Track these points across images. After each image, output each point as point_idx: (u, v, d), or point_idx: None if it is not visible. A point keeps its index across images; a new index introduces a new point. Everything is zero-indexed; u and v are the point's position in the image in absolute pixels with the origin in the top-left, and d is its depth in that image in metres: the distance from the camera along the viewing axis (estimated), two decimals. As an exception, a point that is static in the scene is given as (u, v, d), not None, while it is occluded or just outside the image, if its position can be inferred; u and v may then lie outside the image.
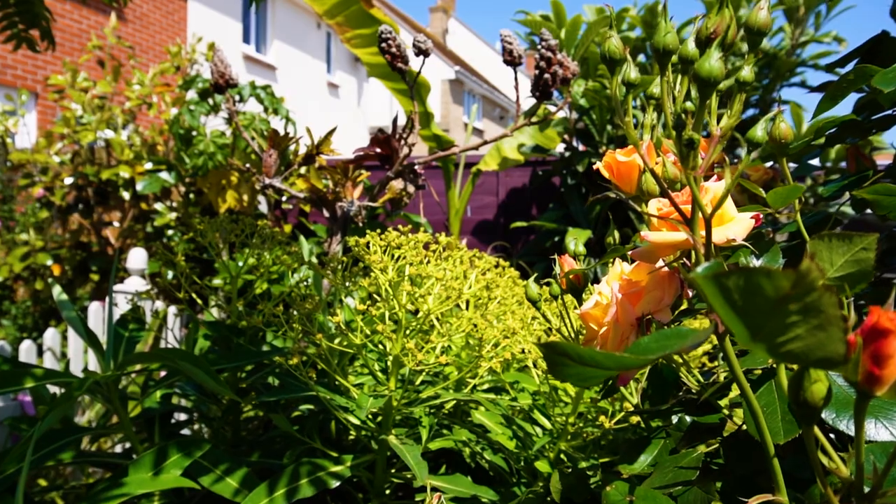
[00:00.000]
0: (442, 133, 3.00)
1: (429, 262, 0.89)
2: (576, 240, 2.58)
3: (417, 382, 0.99)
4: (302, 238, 1.25)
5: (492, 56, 26.94)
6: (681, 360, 0.60)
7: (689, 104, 0.38)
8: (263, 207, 3.77)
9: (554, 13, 2.97)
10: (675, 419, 0.54)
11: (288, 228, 3.90)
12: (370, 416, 0.99)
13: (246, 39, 11.64)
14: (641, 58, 3.09)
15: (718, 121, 0.36)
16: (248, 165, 1.66)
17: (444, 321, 0.99)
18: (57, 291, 1.08)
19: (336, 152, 1.68)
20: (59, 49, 7.60)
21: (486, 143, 1.62)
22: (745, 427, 0.48)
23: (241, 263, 1.25)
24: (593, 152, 2.93)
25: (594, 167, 0.59)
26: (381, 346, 0.99)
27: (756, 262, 0.51)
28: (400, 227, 1.03)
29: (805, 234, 0.55)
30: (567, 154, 3.01)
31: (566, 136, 3.09)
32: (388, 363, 0.99)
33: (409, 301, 0.92)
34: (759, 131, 0.36)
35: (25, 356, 2.42)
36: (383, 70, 3.04)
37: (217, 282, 3.20)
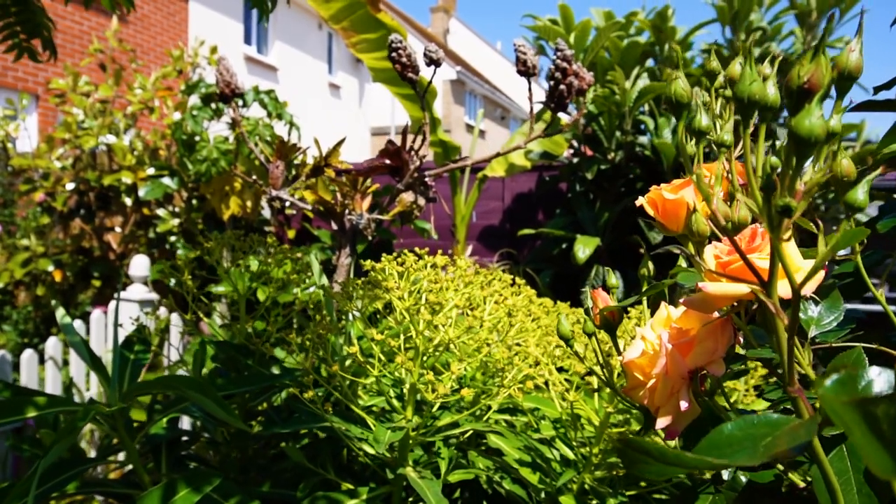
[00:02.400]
0: (448, 139, 2.96)
1: (447, 287, 0.86)
2: (584, 247, 2.53)
3: (434, 409, 0.96)
4: (314, 258, 1.22)
5: (493, 56, 26.89)
6: (728, 407, 0.56)
7: (773, 158, 0.34)
8: (267, 213, 3.73)
9: (562, 17, 2.93)
10: (726, 474, 0.51)
11: (292, 234, 3.87)
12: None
13: (247, 40, 11.60)
14: (650, 62, 3.05)
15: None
16: (254, 178, 1.62)
17: (463, 349, 0.95)
18: (60, 314, 1.05)
19: (345, 163, 1.65)
20: (61, 51, 7.55)
21: (498, 154, 1.58)
22: (807, 492, 0.44)
23: (251, 285, 1.21)
24: (601, 158, 2.89)
25: (637, 204, 0.55)
26: (397, 374, 0.95)
27: (815, 310, 0.48)
28: (416, 249, 1.00)
29: (866, 280, 0.51)
30: (575, 160, 2.98)
31: (574, 142, 3.05)
32: (405, 390, 0.96)
33: (427, 328, 0.88)
34: (860, 194, 0.32)
35: (27, 366, 2.38)
36: (388, 75, 3.01)
37: (220, 289, 3.16)
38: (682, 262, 0.73)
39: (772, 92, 0.32)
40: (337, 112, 14.46)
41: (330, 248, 3.60)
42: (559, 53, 1.40)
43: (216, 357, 1.22)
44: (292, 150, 1.66)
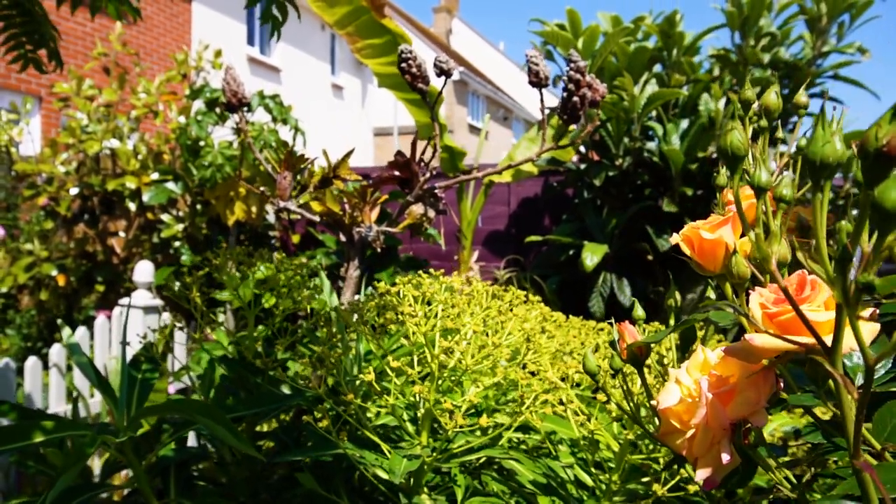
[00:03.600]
0: (455, 144, 2.94)
1: (464, 311, 0.84)
2: (592, 255, 2.50)
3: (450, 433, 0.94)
4: (325, 280, 1.20)
5: (496, 57, 26.86)
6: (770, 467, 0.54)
7: (844, 222, 0.32)
8: (271, 217, 3.72)
9: (569, 22, 2.91)
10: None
11: (296, 238, 3.85)
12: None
13: (250, 41, 11.59)
14: (658, 68, 3.03)
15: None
16: (262, 189, 1.60)
17: (479, 372, 0.93)
18: (66, 334, 1.03)
19: (354, 174, 1.63)
20: (63, 52, 7.55)
21: (510, 166, 1.56)
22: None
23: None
24: (609, 165, 2.87)
25: (672, 242, 0.53)
26: (411, 398, 0.93)
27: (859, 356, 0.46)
28: (432, 270, 0.98)
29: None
30: (582, 166, 2.96)
31: (581, 147, 3.03)
32: (419, 413, 0.94)
33: (442, 352, 0.86)
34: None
35: (31, 373, 2.37)
36: (394, 80, 2.99)
37: (224, 295, 3.15)
38: (711, 294, 0.71)
39: (840, 148, 0.30)
40: (340, 113, 14.44)
41: (335, 252, 3.58)
42: (572, 65, 1.38)
43: (225, 378, 1.20)
44: (300, 160, 1.64)
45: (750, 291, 0.45)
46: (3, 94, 6.71)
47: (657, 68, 3.03)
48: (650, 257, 3.00)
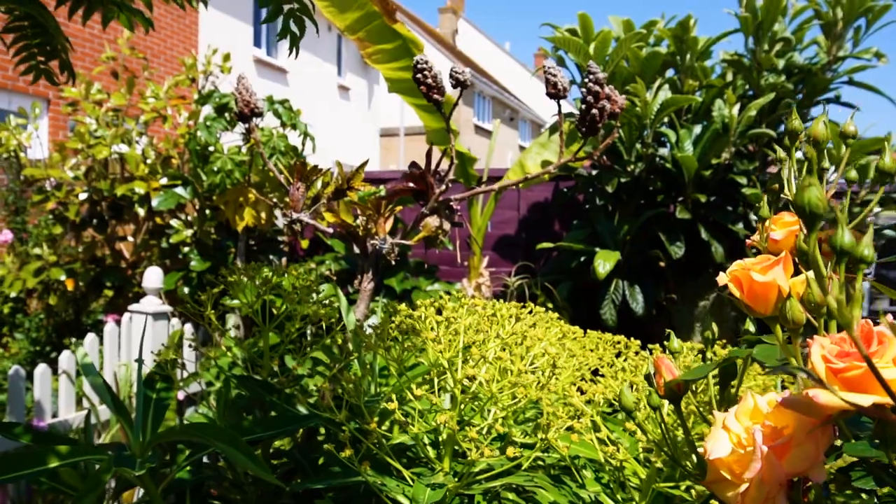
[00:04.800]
0: (466, 150, 2.92)
1: (487, 338, 0.82)
2: (605, 262, 2.47)
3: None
4: (343, 299, 1.18)
5: (501, 57, 26.83)
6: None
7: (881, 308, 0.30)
8: (280, 222, 3.70)
9: (581, 27, 2.88)
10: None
11: (305, 243, 3.84)
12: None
13: (257, 43, 11.60)
14: (670, 72, 3.00)
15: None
16: (274, 200, 1.58)
17: (503, 397, 0.91)
18: (81, 354, 1.01)
19: (368, 186, 1.61)
20: (71, 56, 7.55)
21: (527, 179, 1.54)
22: None
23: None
24: (621, 171, 2.84)
25: (719, 281, 0.50)
26: (433, 423, 0.91)
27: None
28: (453, 291, 0.96)
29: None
30: (594, 172, 2.93)
31: (593, 153, 3.00)
32: (440, 438, 0.92)
33: (465, 377, 0.84)
34: None
35: (41, 380, 2.36)
36: (405, 86, 2.97)
37: (235, 302, 3.14)
38: (751, 327, 0.69)
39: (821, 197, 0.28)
40: (346, 113, 14.44)
41: (344, 258, 3.56)
42: (591, 76, 1.35)
43: (242, 397, 1.18)
44: (313, 172, 1.62)
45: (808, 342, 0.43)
46: (12, 96, 6.72)
47: (669, 73, 3.00)
48: (662, 264, 2.97)
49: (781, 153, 0.59)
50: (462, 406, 0.88)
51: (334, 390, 1.39)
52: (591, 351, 1.37)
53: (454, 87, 1.48)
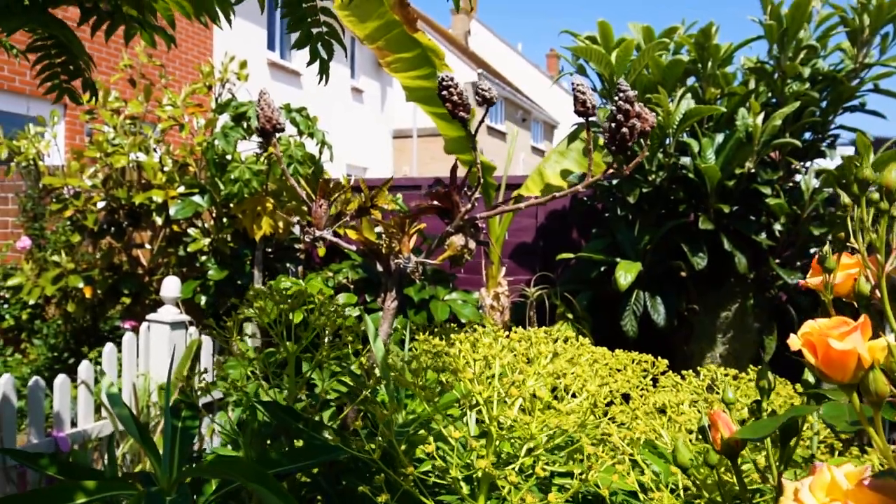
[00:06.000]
0: (485, 160, 2.89)
1: (526, 377, 0.79)
2: (626, 273, 2.43)
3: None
4: (370, 325, 1.16)
5: (514, 58, 26.76)
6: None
7: None
8: (297, 230, 3.69)
9: (601, 35, 2.85)
10: None
11: (322, 251, 3.83)
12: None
13: (271, 46, 11.62)
14: (691, 80, 2.96)
15: None
16: (297, 218, 1.57)
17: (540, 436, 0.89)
18: (106, 383, 1.00)
19: (394, 204, 1.59)
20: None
21: (554, 197, 1.51)
22: None
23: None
24: (642, 180, 2.80)
25: (789, 344, 0.48)
26: (468, 460, 0.89)
27: None
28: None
29: None
30: (614, 181, 2.89)
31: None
32: (475, 475, 0.89)
33: (501, 414, 0.82)
34: None
35: (60, 390, 2.35)
36: (423, 94, 2.95)
37: (250, 311, 3.13)
38: (809, 377, 0.66)
39: None
40: (359, 115, 14.45)
41: (361, 266, 3.54)
42: (621, 94, 1.33)
43: (267, 425, 1.16)
44: (336, 188, 1.60)
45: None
46: (30, 100, 6.76)
47: (690, 80, 2.96)
48: (683, 274, 2.93)
49: (847, 199, 0.56)
50: (497, 442, 0.86)
51: (359, 412, 1.38)
52: (619, 371, 1.34)
53: (479, 104, 1.46)
